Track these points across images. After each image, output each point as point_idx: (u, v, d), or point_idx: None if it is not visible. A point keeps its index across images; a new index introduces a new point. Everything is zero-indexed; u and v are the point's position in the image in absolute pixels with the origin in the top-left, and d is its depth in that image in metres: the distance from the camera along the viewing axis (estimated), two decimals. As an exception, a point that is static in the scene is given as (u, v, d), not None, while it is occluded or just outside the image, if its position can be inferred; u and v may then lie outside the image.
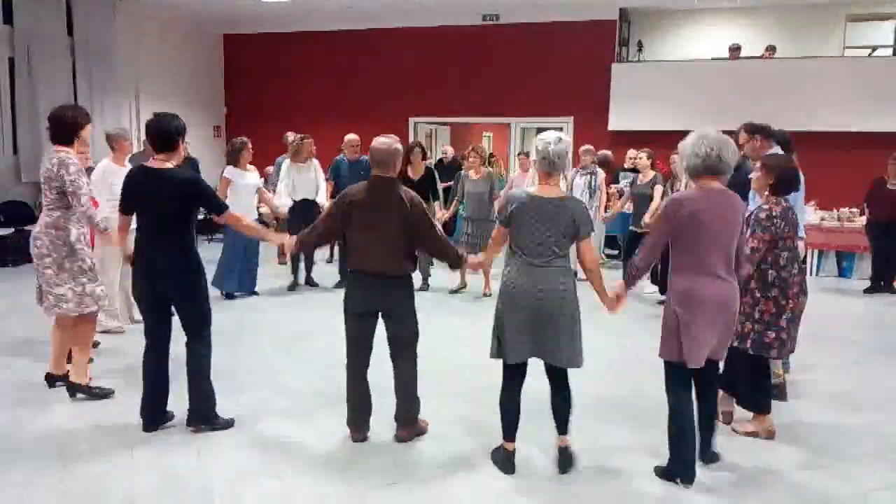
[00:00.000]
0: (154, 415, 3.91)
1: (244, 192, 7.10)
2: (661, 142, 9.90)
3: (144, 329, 3.91)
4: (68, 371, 4.42)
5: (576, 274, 3.63)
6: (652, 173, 7.44)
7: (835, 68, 10.41)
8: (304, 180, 7.57)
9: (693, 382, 3.36)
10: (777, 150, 4.51)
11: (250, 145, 7.25)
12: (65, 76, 9.94)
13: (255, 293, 7.40)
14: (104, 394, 4.36)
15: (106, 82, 10.52)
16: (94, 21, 10.29)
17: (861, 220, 8.99)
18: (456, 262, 3.80)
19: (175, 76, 12.24)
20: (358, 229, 3.66)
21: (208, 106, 13.22)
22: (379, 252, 3.60)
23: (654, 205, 6.96)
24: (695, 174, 3.25)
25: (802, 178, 4.74)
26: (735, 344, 3.73)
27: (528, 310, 3.27)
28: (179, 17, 12.24)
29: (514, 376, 3.44)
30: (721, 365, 3.58)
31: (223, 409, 4.01)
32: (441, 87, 12.31)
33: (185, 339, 3.85)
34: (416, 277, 4.05)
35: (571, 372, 3.43)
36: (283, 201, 7.48)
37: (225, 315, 6.50)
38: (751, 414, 3.98)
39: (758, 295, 3.75)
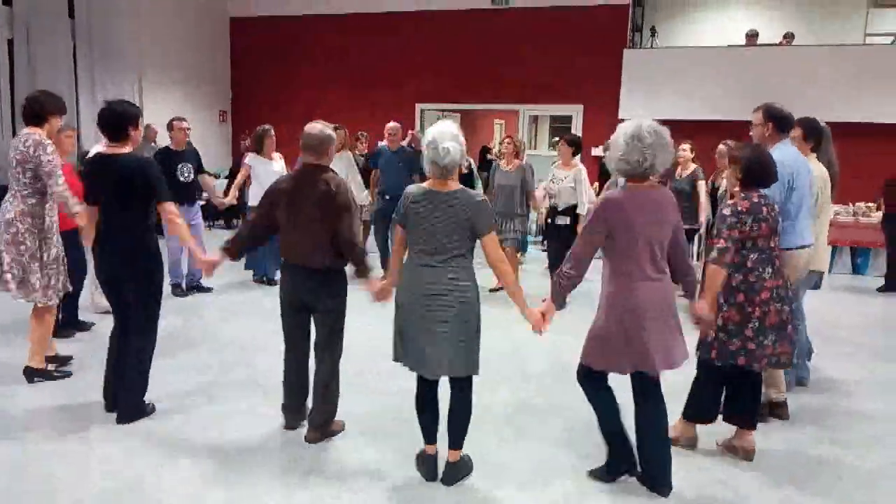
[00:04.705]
0: (115, 394, 3.93)
1: (268, 179, 7.09)
2: (674, 131, 9.65)
3: (112, 310, 3.98)
4: (46, 364, 4.45)
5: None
6: (693, 167, 7.03)
7: (856, 57, 10.04)
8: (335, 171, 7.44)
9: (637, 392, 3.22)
10: (786, 143, 4.00)
11: (273, 132, 7.23)
12: (65, 59, 9.82)
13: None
14: (63, 375, 4.43)
15: (108, 65, 10.39)
16: (95, 2, 10.15)
17: (877, 215, 8.69)
18: (360, 270, 3.51)
19: (179, 59, 12.08)
20: (285, 220, 3.55)
21: (214, 90, 13.08)
22: (303, 243, 3.50)
23: (702, 200, 6.74)
24: (625, 175, 3.06)
25: (828, 177, 4.38)
26: (700, 354, 3.50)
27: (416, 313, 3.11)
28: (184, -1, 12.07)
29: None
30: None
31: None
32: (449, 73, 12.07)
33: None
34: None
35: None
36: None
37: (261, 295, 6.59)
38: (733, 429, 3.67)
39: (721, 301, 3.39)
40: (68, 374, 4.44)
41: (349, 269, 3.58)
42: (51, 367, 4.47)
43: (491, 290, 6.66)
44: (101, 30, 10.23)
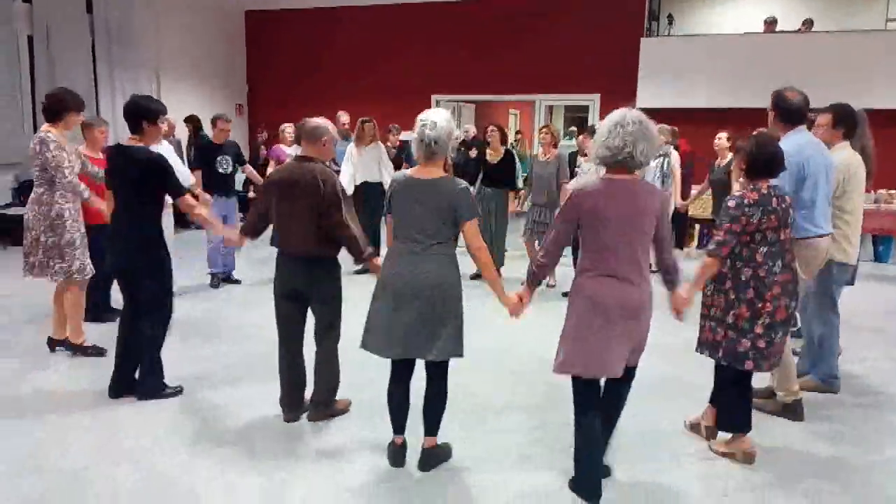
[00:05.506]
0: (119, 383, 4.08)
1: None
2: (692, 119, 9.60)
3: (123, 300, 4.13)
4: (67, 336, 4.80)
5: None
6: (730, 156, 6.87)
7: (876, 43, 9.90)
8: (366, 163, 7.51)
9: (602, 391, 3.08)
10: (799, 132, 3.81)
11: None
12: (84, 55, 9.91)
13: None
14: (98, 352, 4.72)
15: (126, 60, 10.48)
16: (113, -2, 10.23)
17: (900, 203, 8.61)
18: (358, 257, 3.62)
19: (196, 53, 12.16)
20: (277, 210, 3.62)
21: (230, 84, 13.15)
22: (295, 232, 3.57)
23: (735, 188, 6.63)
24: (605, 165, 2.95)
25: (858, 165, 4.21)
26: (707, 354, 3.44)
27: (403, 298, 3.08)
28: (200, -7, 12.13)
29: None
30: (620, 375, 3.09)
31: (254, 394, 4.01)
32: (464, 64, 12.05)
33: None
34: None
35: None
36: (344, 186, 7.37)
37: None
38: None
39: (732, 297, 3.26)
40: (103, 353, 4.67)
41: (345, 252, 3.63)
42: (87, 344, 4.75)
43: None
44: (118, 25, 10.31)
